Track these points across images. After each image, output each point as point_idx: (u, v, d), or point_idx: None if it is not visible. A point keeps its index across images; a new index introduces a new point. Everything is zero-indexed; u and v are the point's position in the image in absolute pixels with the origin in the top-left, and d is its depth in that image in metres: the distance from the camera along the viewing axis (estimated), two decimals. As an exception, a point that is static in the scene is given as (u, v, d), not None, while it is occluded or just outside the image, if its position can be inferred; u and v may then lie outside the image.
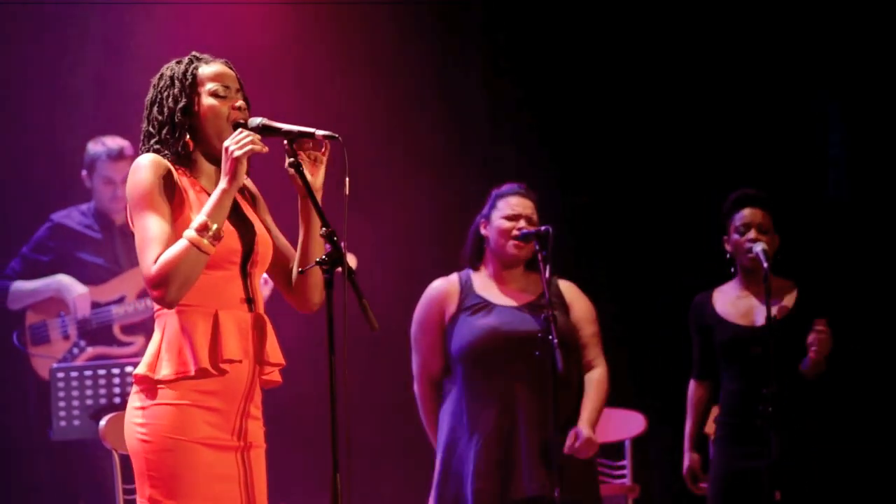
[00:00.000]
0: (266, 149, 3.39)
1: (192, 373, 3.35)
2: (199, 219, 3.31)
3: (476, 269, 5.20)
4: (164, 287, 3.29)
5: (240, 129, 3.40)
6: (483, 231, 5.18)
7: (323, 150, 3.48)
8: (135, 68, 6.34)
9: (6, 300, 6.23)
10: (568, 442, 5.01)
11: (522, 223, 5.09)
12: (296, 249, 3.55)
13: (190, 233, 3.30)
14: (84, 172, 6.24)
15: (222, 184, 3.35)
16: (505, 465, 4.97)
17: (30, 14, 6.61)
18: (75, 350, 6.16)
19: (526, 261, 5.15)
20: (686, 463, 5.53)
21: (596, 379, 5.19)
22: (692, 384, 5.55)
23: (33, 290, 6.20)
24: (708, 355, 5.46)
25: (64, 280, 6.18)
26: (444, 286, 5.18)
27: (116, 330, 6.18)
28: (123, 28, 6.70)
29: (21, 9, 6.60)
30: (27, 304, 6.22)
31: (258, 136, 3.39)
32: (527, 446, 4.96)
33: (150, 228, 3.33)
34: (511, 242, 5.10)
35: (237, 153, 3.34)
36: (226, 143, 3.36)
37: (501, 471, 4.97)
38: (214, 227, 3.31)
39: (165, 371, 3.36)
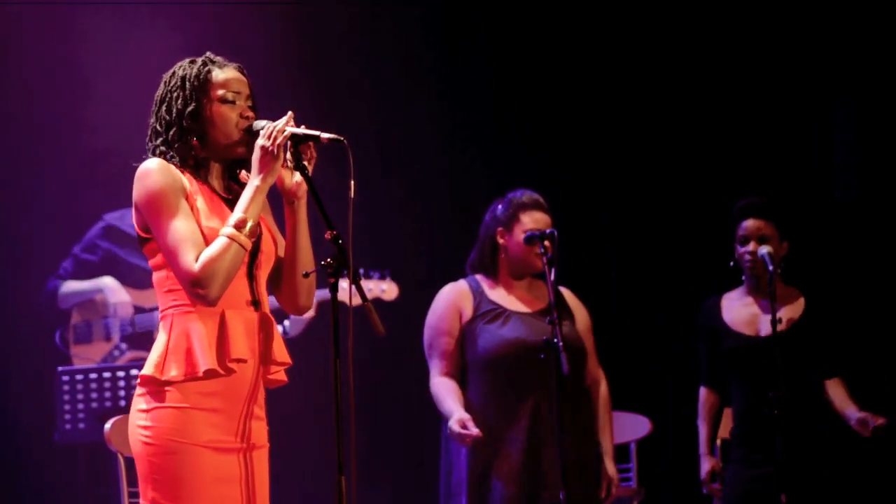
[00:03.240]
0: (290, 132, 3.40)
1: (201, 373, 3.36)
2: (235, 215, 3.36)
3: (488, 275, 5.19)
4: (210, 285, 3.31)
5: (267, 124, 3.42)
6: (500, 240, 5.16)
7: (310, 157, 3.48)
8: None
9: (56, 300, 6.24)
10: (611, 491, 5.15)
11: (546, 242, 5.08)
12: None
13: (228, 229, 3.34)
14: None
15: (256, 181, 3.39)
16: (533, 471, 4.97)
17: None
18: (115, 352, 6.18)
19: None
20: (707, 467, 5.42)
21: (605, 398, 5.32)
22: (703, 391, 5.52)
23: (80, 291, 6.22)
24: (715, 361, 5.45)
25: (109, 284, 6.19)
26: (457, 290, 5.16)
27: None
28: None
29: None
30: (73, 303, 6.23)
31: (285, 127, 3.40)
32: (553, 453, 4.95)
33: (180, 229, 3.34)
34: (535, 257, 5.08)
35: (266, 144, 3.37)
36: (259, 143, 3.39)
37: (530, 477, 4.97)
38: (250, 223, 3.36)
39: (173, 372, 3.37)
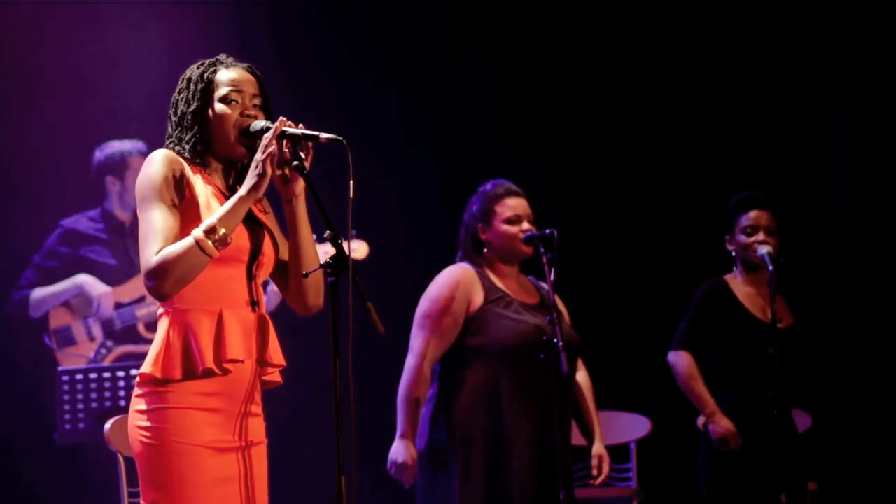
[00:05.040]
0: (272, 150, 3.39)
1: (199, 372, 3.37)
2: (209, 221, 3.34)
3: (482, 266, 5.19)
4: (161, 280, 3.31)
5: (266, 126, 3.42)
6: (483, 236, 5.18)
7: (308, 156, 3.47)
8: (123, 71, 6.42)
9: (28, 308, 6.22)
10: (603, 469, 5.15)
11: (525, 224, 5.11)
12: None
13: (197, 232, 3.33)
14: (109, 177, 6.23)
15: (241, 191, 3.38)
16: (545, 463, 4.98)
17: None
18: (103, 350, 6.17)
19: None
20: (724, 423, 5.27)
21: (588, 386, 5.30)
22: (685, 355, 5.37)
23: (55, 293, 6.20)
24: (706, 332, 5.38)
25: (86, 279, 6.18)
26: (466, 272, 5.12)
27: (141, 328, 6.19)
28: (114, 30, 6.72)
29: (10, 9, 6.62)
30: (49, 307, 6.21)
31: (272, 141, 3.39)
32: (559, 445, 4.97)
33: (155, 221, 3.35)
34: (521, 244, 5.11)
35: (259, 158, 3.37)
36: (256, 155, 3.39)
37: (544, 469, 4.97)
38: (222, 231, 3.34)
39: (171, 371, 3.37)
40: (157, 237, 3.34)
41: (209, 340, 3.38)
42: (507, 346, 5.01)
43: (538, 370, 4.99)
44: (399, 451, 5.04)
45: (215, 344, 3.38)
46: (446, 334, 5.07)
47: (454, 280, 5.11)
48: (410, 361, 5.09)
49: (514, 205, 5.14)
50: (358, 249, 6.23)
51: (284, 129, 3.41)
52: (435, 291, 5.12)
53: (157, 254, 3.32)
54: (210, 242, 3.32)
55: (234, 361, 3.40)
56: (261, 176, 3.37)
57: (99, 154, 6.26)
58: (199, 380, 3.37)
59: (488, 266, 5.17)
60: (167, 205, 3.37)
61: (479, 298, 5.08)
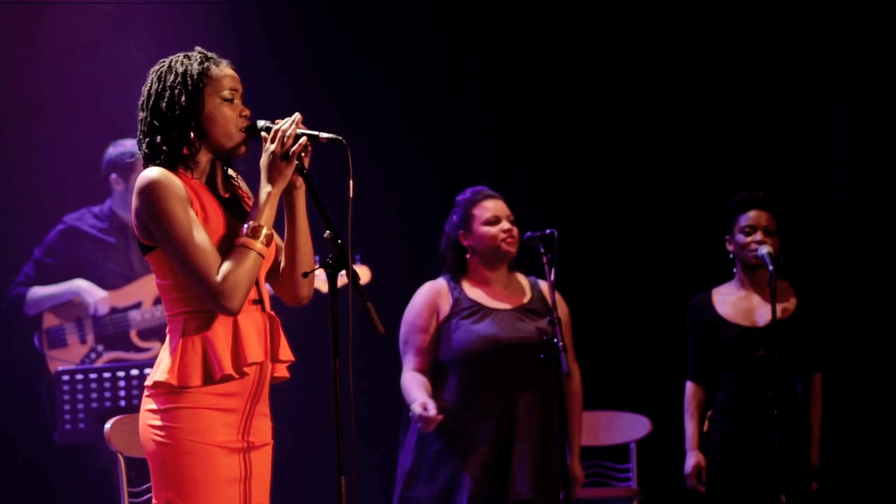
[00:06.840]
0: (303, 137, 3.41)
1: (218, 378, 3.37)
2: (251, 224, 3.37)
3: (459, 279, 5.22)
4: (235, 297, 3.33)
5: (275, 130, 3.42)
6: (464, 242, 5.21)
7: (307, 155, 3.48)
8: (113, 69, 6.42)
9: (24, 307, 6.20)
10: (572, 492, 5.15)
11: (505, 224, 5.15)
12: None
13: (247, 240, 3.36)
14: (114, 175, 6.20)
15: (268, 187, 3.40)
16: (498, 471, 5.02)
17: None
18: (93, 355, 6.15)
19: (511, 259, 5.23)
20: (692, 461, 5.40)
21: (576, 393, 5.31)
22: (690, 386, 5.46)
23: (52, 295, 6.18)
24: (706, 357, 5.43)
25: (83, 284, 6.15)
26: (435, 287, 5.22)
27: (133, 335, 6.17)
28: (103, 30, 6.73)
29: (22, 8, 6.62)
30: (44, 308, 6.19)
31: (296, 131, 3.42)
32: (520, 452, 4.99)
33: (197, 244, 3.32)
34: (503, 243, 5.15)
35: (277, 150, 3.39)
36: (269, 148, 3.40)
37: (495, 477, 5.02)
38: (265, 230, 3.38)
39: (189, 379, 3.36)
40: (207, 259, 3.33)
41: (226, 346, 3.39)
42: (459, 356, 5.09)
43: (499, 377, 5.04)
44: (416, 406, 4.98)
45: (233, 349, 3.39)
46: (426, 350, 5.17)
47: (422, 299, 5.22)
48: (404, 377, 5.18)
49: (492, 206, 5.20)
50: (360, 273, 6.23)
51: (272, 126, 3.43)
52: (407, 314, 5.25)
53: (219, 274, 3.32)
54: (258, 243, 3.36)
55: (255, 364, 3.41)
56: (286, 166, 3.39)
57: (112, 150, 6.22)
58: (216, 383, 3.38)
59: (468, 277, 5.21)
60: (192, 222, 3.34)
61: (445, 311, 5.18)
